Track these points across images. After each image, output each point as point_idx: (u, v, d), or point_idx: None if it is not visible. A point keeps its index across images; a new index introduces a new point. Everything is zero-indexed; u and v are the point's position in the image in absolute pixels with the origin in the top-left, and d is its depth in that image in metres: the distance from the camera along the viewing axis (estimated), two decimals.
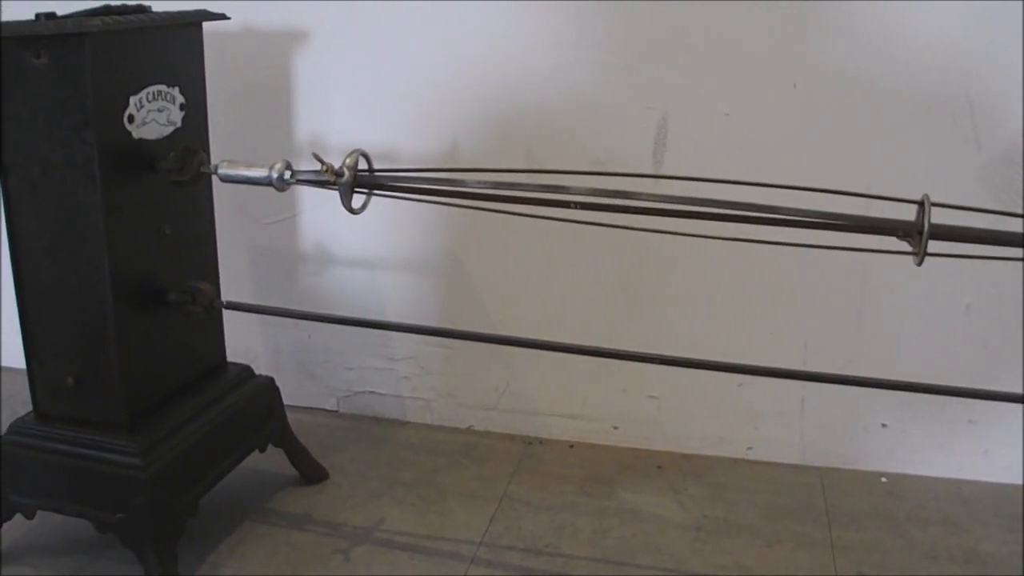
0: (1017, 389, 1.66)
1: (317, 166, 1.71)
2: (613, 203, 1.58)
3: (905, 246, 1.47)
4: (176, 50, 1.91)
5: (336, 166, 1.69)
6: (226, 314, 2.12)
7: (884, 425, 2.38)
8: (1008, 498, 2.28)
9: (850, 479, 2.38)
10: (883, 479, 2.38)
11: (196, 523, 1.98)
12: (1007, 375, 2.18)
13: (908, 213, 1.46)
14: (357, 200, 1.73)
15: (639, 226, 1.58)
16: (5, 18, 1.73)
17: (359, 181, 1.71)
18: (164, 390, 2.00)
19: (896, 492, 2.33)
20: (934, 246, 1.42)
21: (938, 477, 2.38)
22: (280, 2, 2.39)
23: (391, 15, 2.34)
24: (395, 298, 2.58)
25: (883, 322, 2.31)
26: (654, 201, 1.53)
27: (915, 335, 2.30)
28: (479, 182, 1.66)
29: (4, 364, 2.86)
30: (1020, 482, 2.33)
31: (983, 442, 2.34)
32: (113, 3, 1.86)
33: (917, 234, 1.42)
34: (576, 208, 1.58)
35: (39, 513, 1.95)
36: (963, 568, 2.04)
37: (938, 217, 1.41)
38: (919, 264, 1.43)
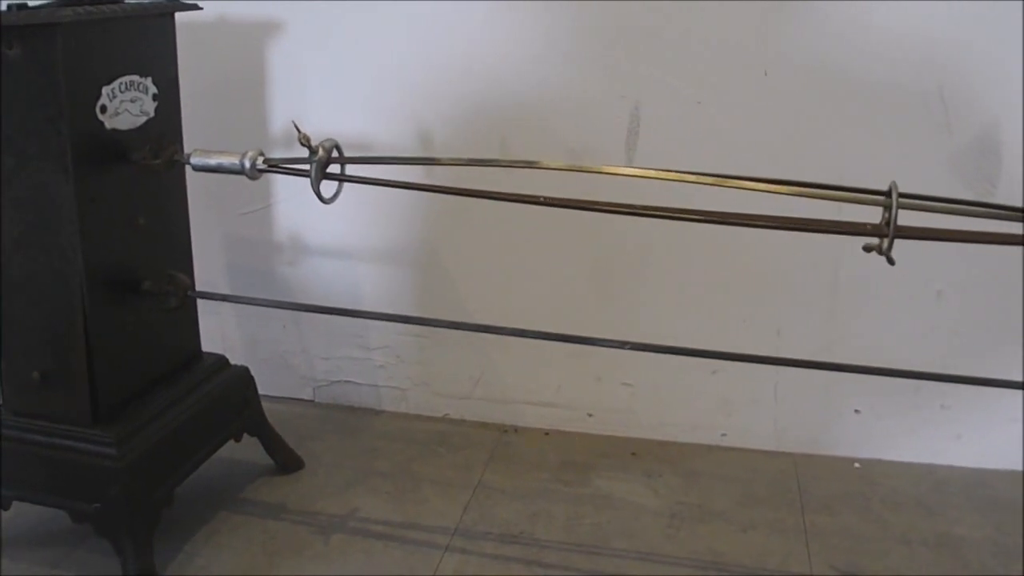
0: (988, 374, 1.67)
1: (290, 154, 1.71)
2: (584, 200, 1.59)
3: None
4: (149, 40, 1.90)
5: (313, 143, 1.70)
6: (201, 304, 2.12)
7: (857, 411, 2.40)
8: (981, 482, 2.31)
9: (823, 465, 2.40)
10: (856, 464, 2.40)
11: (172, 513, 1.97)
12: (979, 360, 2.20)
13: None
14: (328, 189, 1.74)
15: (611, 205, 1.58)
16: None
17: (330, 168, 1.72)
18: (139, 381, 1.99)
19: (869, 477, 2.35)
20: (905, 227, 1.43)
21: (911, 462, 2.40)
22: None
23: (366, 7, 2.33)
24: (370, 287, 2.58)
25: (856, 308, 2.32)
26: (626, 173, 1.54)
27: (887, 321, 2.31)
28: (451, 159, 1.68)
29: None
30: (993, 466, 2.35)
31: (956, 427, 2.36)
32: None
33: (885, 226, 1.43)
34: (545, 203, 1.59)
35: (15, 504, 1.95)
36: (936, 552, 2.06)
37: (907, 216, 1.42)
38: (886, 252, 1.44)
